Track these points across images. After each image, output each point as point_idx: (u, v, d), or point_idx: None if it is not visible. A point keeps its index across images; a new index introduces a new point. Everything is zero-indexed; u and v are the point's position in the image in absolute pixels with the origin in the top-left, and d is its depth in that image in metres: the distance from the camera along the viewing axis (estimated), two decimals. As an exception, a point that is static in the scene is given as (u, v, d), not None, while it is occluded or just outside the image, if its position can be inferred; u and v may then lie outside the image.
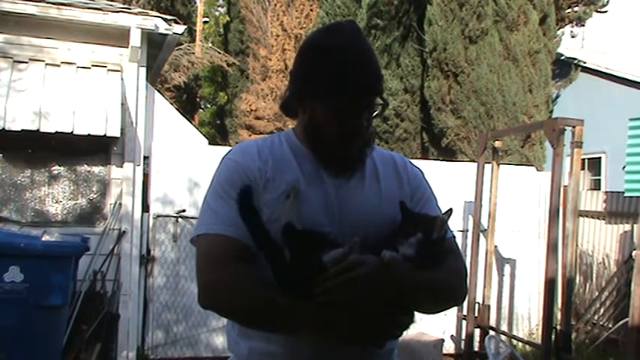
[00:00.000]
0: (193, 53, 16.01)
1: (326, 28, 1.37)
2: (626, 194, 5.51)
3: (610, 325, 5.77)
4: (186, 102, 19.38)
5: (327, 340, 1.19)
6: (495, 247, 5.65)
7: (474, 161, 6.10)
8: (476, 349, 5.37)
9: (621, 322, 5.47)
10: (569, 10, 10.30)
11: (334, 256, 1.17)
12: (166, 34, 4.92)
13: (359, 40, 1.30)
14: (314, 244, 1.22)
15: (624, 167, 5.61)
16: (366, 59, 1.28)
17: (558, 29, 9.14)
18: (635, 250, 5.28)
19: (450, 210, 1.32)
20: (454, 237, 1.42)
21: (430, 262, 1.25)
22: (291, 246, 1.24)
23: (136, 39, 4.75)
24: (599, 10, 10.44)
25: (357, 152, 1.34)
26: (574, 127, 4.54)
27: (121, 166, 4.96)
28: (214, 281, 1.25)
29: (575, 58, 10.60)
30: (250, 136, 16.44)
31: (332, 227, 1.28)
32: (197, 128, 7.93)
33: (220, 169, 1.36)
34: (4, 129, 4.35)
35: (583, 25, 10.70)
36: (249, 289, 1.22)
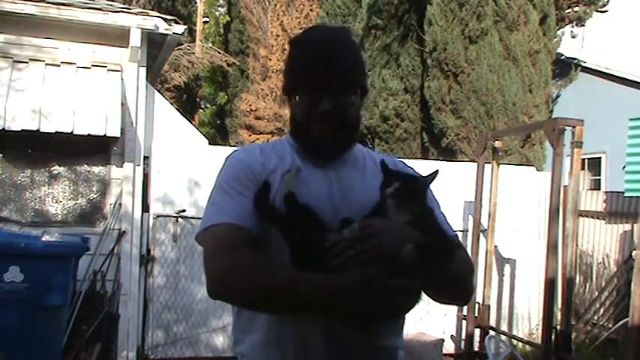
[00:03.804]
0: (193, 53, 16.00)
1: (308, 27, 1.48)
2: (626, 194, 5.51)
3: (610, 325, 5.77)
4: (186, 102, 19.37)
5: (335, 319, 1.17)
6: (495, 247, 5.65)
7: (474, 161, 6.10)
8: (476, 349, 5.37)
9: (621, 322, 5.47)
10: (569, 10, 10.30)
11: (353, 230, 1.17)
12: (166, 34, 4.91)
13: (331, 32, 1.38)
14: (314, 220, 1.24)
15: (624, 167, 5.61)
16: (328, 44, 1.34)
17: (558, 29, 9.15)
18: (635, 250, 5.29)
19: (436, 172, 1.29)
20: (456, 235, 1.44)
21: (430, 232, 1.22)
22: (292, 217, 1.25)
23: (136, 39, 4.75)
24: (599, 10, 10.45)
25: (333, 138, 1.35)
26: (574, 127, 4.54)
27: (121, 166, 4.96)
28: (225, 267, 1.24)
29: (575, 58, 10.60)
30: (250, 136, 16.42)
31: (334, 217, 1.28)
32: (197, 128, 7.93)
33: (224, 169, 1.39)
34: (4, 129, 4.35)
35: (583, 25, 10.71)
36: (259, 270, 1.22)
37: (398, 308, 1.22)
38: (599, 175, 10.17)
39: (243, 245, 1.25)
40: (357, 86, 1.35)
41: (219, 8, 24.74)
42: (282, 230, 1.25)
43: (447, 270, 1.24)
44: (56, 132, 4.43)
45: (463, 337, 5.67)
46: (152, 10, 8.01)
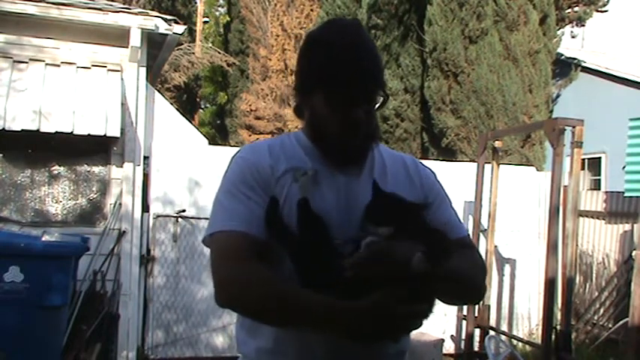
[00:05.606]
0: (193, 53, 16.00)
1: (322, 23, 1.41)
2: (626, 194, 5.51)
3: (610, 325, 5.77)
4: (186, 102, 19.36)
5: (340, 335, 1.16)
6: (495, 247, 5.65)
7: (474, 161, 6.10)
8: (476, 349, 5.37)
9: (621, 322, 5.47)
10: (569, 10, 10.32)
11: (372, 241, 1.15)
12: (166, 34, 4.91)
13: (352, 32, 1.31)
14: (323, 235, 1.21)
15: (624, 167, 5.61)
16: (358, 49, 1.28)
17: (558, 29, 9.15)
18: (635, 250, 5.29)
19: (425, 205, 1.29)
20: (468, 235, 1.44)
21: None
22: (304, 225, 1.23)
23: (136, 39, 4.75)
24: (599, 10, 10.46)
25: (360, 145, 1.33)
26: (574, 127, 4.54)
27: (121, 166, 4.96)
28: (231, 276, 1.23)
29: (575, 58, 10.60)
30: (250, 136, 16.42)
31: (341, 223, 1.27)
32: (197, 128, 7.93)
33: (231, 168, 1.35)
34: (4, 129, 4.35)
35: (583, 25, 10.73)
36: (266, 282, 1.21)
37: (406, 329, 1.23)
38: (599, 175, 10.17)
39: (247, 255, 1.24)
40: (384, 93, 1.33)
41: (219, 8, 24.77)
42: (290, 249, 1.23)
43: (457, 271, 1.24)
44: (56, 132, 4.43)
45: (463, 337, 5.67)
46: (152, 10, 8.02)
